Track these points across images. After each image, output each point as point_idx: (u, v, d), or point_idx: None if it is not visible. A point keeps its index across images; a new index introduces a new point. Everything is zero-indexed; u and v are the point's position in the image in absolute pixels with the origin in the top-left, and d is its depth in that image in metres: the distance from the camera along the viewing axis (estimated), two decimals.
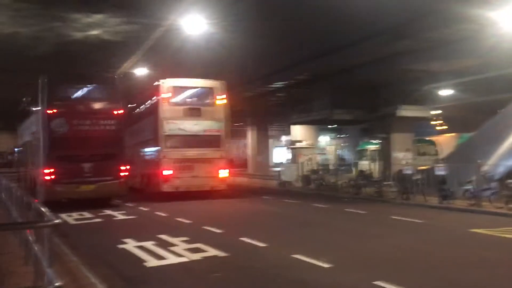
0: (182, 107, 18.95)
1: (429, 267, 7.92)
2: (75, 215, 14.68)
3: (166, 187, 18.35)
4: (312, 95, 26.76)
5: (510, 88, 18.08)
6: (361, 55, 20.42)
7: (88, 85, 18.22)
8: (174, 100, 18.91)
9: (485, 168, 15.99)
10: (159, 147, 18.60)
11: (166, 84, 18.81)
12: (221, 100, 19.22)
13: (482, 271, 7.63)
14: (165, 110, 18.42)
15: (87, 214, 14.83)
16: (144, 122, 21.19)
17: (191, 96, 19.73)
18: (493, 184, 15.49)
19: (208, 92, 19.62)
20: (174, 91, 19.02)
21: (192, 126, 18.61)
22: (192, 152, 18.47)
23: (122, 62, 22.42)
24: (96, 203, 16.45)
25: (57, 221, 5.15)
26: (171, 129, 18.40)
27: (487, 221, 12.50)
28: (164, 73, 25.04)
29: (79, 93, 18.13)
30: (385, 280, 6.78)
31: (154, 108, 19.26)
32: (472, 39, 16.26)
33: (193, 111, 18.85)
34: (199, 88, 19.77)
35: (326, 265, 7.82)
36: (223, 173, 19.03)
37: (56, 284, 4.92)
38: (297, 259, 8.31)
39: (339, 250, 9.36)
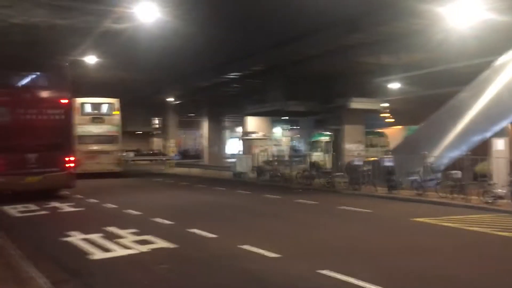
0: (89, 116, 26.39)
1: (372, 255, 8.16)
2: (19, 207, 14.13)
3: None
4: (267, 86, 26.88)
5: (456, 82, 18.76)
6: (315, 46, 20.64)
7: (34, 72, 17.51)
8: (83, 111, 26.21)
9: (430, 159, 16.60)
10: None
11: (78, 101, 25.36)
12: (116, 111, 26.93)
13: (421, 258, 7.94)
14: (77, 118, 24.20)
15: (32, 206, 14.31)
16: None
17: (96, 109, 27.04)
18: (438, 175, 16.12)
19: (108, 106, 27.01)
20: (84, 105, 26.39)
21: (96, 129, 26.18)
22: (95, 147, 25.97)
23: (71, 49, 21.67)
24: (42, 195, 15.91)
25: None
26: (81, 131, 24.95)
27: (430, 211, 13.01)
28: (114, 62, 24.50)
29: (24, 81, 17.41)
30: (330, 268, 6.94)
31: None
32: (421, 34, 16.75)
33: (97, 119, 26.46)
34: (102, 103, 27.11)
35: (273, 255, 7.90)
36: (117, 160, 26.88)
37: None
38: (245, 249, 8.36)
39: (287, 240, 9.48)
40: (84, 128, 25.57)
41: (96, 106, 26.87)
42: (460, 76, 18.09)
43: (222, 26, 18.69)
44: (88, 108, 26.56)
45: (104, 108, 26.93)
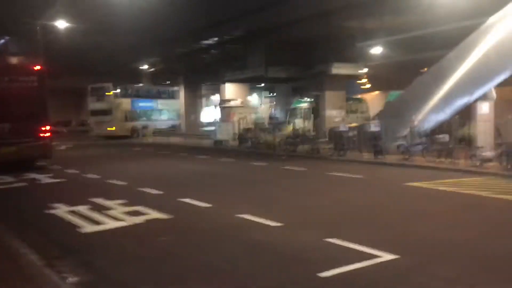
0: (95, 97, 35.78)
1: (373, 221, 7.97)
2: None
3: (92, 134, 36.49)
4: (247, 53, 26.21)
5: (441, 46, 18.56)
6: (296, 11, 20.06)
7: (3, 37, 16.47)
8: (92, 93, 36.12)
9: (415, 123, 16.50)
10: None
11: (89, 86, 36.24)
12: (111, 92, 35.10)
13: (426, 222, 7.80)
14: (89, 99, 37.10)
15: (9, 178, 13.58)
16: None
17: (99, 91, 35.72)
18: (424, 139, 16.06)
19: (105, 88, 35.29)
20: (92, 90, 36.07)
21: (100, 105, 35.18)
22: (100, 118, 34.90)
23: (40, 12, 20.50)
24: (19, 166, 15.19)
25: None
26: (92, 107, 36.24)
27: (421, 175, 12.90)
28: (87, 26, 23.37)
29: None
30: (336, 236, 6.69)
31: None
32: None
33: (100, 98, 35.45)
34: (102, 87, 35.32)
35: (275, 224, 7.60)
36: (115, 126, 34.74)
37: None
38: (244, 218, 8.03)
39: (284, 208, 9.20)
40: (93, 105, 35.47)
41: (98, 89, 35.37)
42: (449, 40, 17.82)
43: None
44: (94, 91, 35.60)
45: (103, 90, 35.20)
